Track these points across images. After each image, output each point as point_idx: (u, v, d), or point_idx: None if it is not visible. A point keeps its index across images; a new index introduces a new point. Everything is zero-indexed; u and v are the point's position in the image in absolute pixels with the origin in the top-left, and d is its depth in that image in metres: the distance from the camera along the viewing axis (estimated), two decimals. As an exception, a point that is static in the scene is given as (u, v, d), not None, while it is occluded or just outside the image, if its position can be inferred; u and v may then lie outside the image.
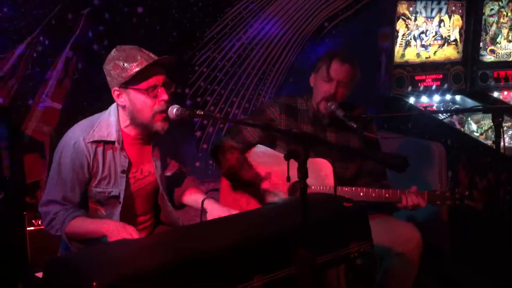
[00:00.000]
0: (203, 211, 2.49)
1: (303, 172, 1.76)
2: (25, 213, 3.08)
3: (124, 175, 2.40)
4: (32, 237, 3.04)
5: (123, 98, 2.34)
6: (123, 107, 2.36)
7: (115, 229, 2.23)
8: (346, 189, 2.78)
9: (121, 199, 2.41)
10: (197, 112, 2.27)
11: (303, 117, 2.99)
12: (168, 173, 2.58)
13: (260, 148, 2.98)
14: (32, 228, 3.05)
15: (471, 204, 2.71)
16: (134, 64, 2.26)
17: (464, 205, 2.73)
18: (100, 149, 2.37)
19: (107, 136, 2.37)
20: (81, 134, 2.36)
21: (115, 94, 2.34)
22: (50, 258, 1.83)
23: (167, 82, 2.35)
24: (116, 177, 2.40)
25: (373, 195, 2.76)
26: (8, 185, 3.23)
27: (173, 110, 2.29)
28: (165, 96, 2.31)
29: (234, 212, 2.39)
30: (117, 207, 2.42)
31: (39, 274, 1.91)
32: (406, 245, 2.81)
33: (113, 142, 2.38)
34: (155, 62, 2.29)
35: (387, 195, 2.75)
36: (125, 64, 2.27)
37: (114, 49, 2.35)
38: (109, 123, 2.39)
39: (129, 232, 2.22)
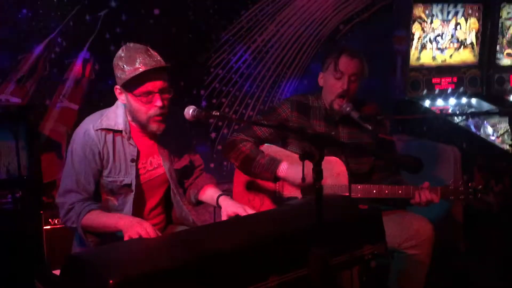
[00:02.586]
0: (217, 206, 2.52)
1: (318, 173, 1.77)
2: (42, 212, 3.11)
3: (134, 163, 2.44)
4: (48, 235, 3.07)
5: (123, 97, 2.40)
6: (124, 105, 2.43)
7: (131, 225, 2.25)
8: (359, 186, 2.79)
9: (133, 187, 2.45)
10: (213, 113, 2.28)
11: (315, 114, 2.99)
12: (177, 167, 2.60)
13: (271, 148, 2.99)
14: (49, 226, 3.09)
15: (485, 198, 2.70)
16: (131, 68, 2.30)
17: (478, 199, 2.71)
18: (109, 137, 2.42)
19: (114, 126, 2.43)
20: (90, 124, 2.43)
21: (116, 91, 2.40)
22: (68, 256, 1.86)
23: (165, 88, 2.36)
24: (126, 166, 2.44)
25: (386, 191, 2.76)
26: (26, 184, 3.27)
27: (190, 110, 2.30)
28: (159, 103, 2.33)
29: (248, 209, 2.40)
30: (130, 196, 2.46)
31: (56, 272, 1.92)
32: (418, 236, 2.80)
33: (120, 131, 2.43)
34: (149, 70, 2.29)
35: (400, 191, 2.75)
36: (125, 67, 2.31)
37: (123, 46, 2.38)
38: (116, 114, 2.45)
39: (145, 228, 2.23)
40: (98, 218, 2.36)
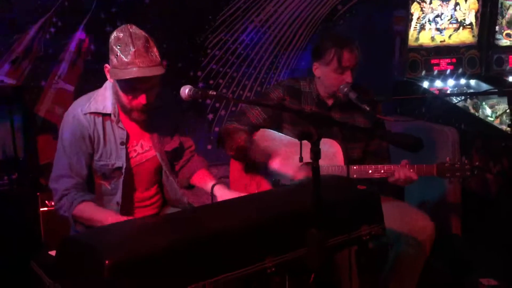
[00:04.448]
0: (213, 197, 2.50)
1: (315, 153, 1.75)
2: (38, 193, 3.10)
3: (123, 146, 2.43)
4: (45, 217, 3.07)
5: (110, 76, 2.35)
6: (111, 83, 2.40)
7: None
8: (355, 167, 2.77)
9: (123, 170, 2.44)
10: (210, 93, 2.24)
11: (306, 99, 2.98)
12: (168, 149, 2.58)
13: (266, 132, 2.98)
14: (45, 208, 3.09)
15: (482, 175, 2.68)
16: (124, 61, 2.23)
17: (475, 176, 2.70)
18: (99, 120, 2.40)
19: (103, 109, 2.41)
20: (78, 107, 2.41)
21: (106, 69, 2.35)
22: (64, 238, 1.85)
23: (154, 87, 2.33)
24: (117, 149, 2.43)
25: (382, 171, 2.74)
26: (22, 166, 3.27)
27: (186, 90, 2.25)
28: (143, 101, 2.31)
29: None
30: (122, 179, 2.45)
31: (52, 253, 1.92)
32: (419, 234, 2.79)
33: (109, 115, 2.41)
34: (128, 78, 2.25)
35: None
36: (119, 55, 2.25)
37: (123, 27, 2.31)
38: (104, 96, 2.43)
39: None
40: (88, 211, 2.34)
